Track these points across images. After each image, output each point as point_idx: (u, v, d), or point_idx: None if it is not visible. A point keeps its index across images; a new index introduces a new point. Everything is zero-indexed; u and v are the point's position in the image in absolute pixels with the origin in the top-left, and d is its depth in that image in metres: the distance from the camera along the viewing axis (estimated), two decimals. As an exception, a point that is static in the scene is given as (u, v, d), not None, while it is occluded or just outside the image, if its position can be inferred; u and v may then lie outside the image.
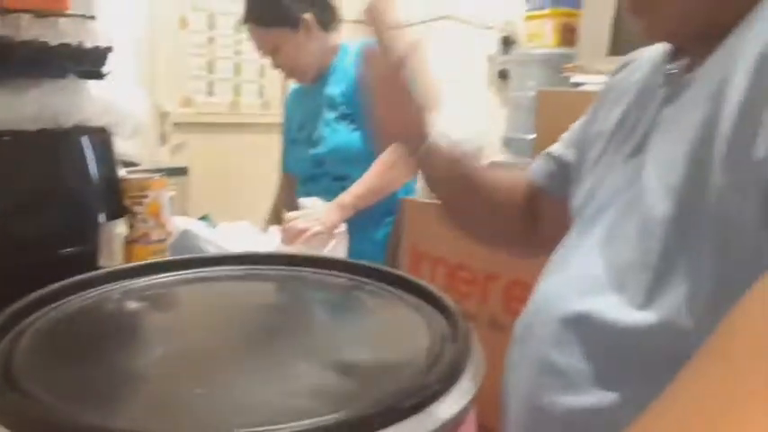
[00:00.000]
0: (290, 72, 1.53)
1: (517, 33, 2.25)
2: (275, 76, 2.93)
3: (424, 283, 0.63)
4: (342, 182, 1.46)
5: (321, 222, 1.32)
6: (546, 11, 1.93)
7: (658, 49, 0.60)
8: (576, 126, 0.72)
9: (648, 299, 0.45)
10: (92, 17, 0.72)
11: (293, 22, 1.44)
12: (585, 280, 0.53)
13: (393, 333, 0.57)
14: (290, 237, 1.30)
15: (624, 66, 0.67)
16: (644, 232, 0.47)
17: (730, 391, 0.22)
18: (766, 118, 0.37)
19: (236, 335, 0.57)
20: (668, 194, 0.45)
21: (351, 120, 1.48)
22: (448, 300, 0.59)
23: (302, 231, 1.30)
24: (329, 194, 1.42)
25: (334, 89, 1.50)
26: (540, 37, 1.96)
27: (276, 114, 2.99)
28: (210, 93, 2.77)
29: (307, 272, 0.70)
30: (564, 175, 0.71)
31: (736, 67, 0.41)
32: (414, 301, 0.60)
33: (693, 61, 0.52)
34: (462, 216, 0.82)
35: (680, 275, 0.44)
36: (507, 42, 2.31)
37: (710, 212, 0.41)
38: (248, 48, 2.80)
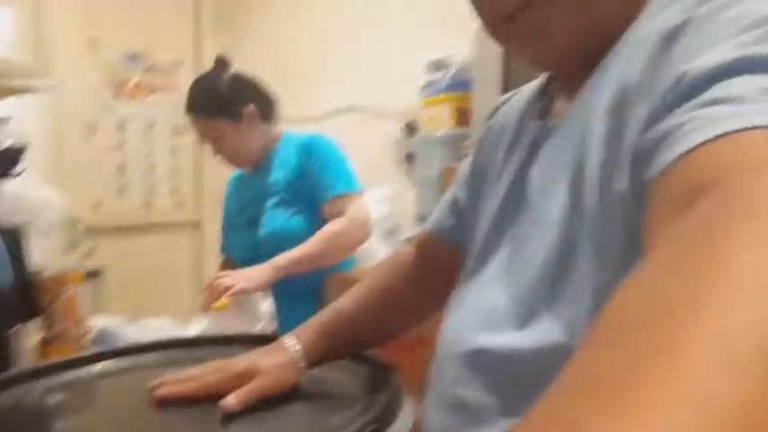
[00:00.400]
0: (231, 159, 1.58)
1: (418, 119, 2.41)
2: (188, 176, 2.95)
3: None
4: None
5: (248, 279, 1.33)
6: (441, 96, 2.10)
7: (531, 88, 0.67)
8: (463, 168, 0.76)
9: (540, 325, 0.49)
10: (7, 118, 0.74)
11: (236, 114, 1.52)
12: (480, 315, 0.57)
13: (324, 389, 0.59)
14: (216, 293, 1.30)
15: (497, 109, 0.72)
16: (530, 262, 0.52)
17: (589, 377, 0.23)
18: (622, 155, 0.44)
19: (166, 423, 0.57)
20: (550, 225, 0.50)
21: (289, 205, 1.52)
22: (371, 353, 0.63)
23: (228, 288, 1.30)
24: None
25: (275, 176, 1.55)
26: (439, 120, 2.12)
27: (189, 213, 2.99)
28: (121, 195, 2.74)
29: (223, 351, 0.71)
30: (461, 220, 0.75)
31: (595, 108, 0.48)
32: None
33: (569, 93, 0.56)
34: (375, 341, 0.85)
35: (566, 298, 0.48)
36: (410, 128, 2.46)
37: (588, 237, 0.47)
38: (160, 149, 2.84)
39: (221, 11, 3.09)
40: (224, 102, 1.52)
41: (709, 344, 0.21)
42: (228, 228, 1.70)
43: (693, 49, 0.43)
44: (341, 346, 0.78)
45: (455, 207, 0.77)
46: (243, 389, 0.68)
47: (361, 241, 1.50)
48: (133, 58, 2.74)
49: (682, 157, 0.35)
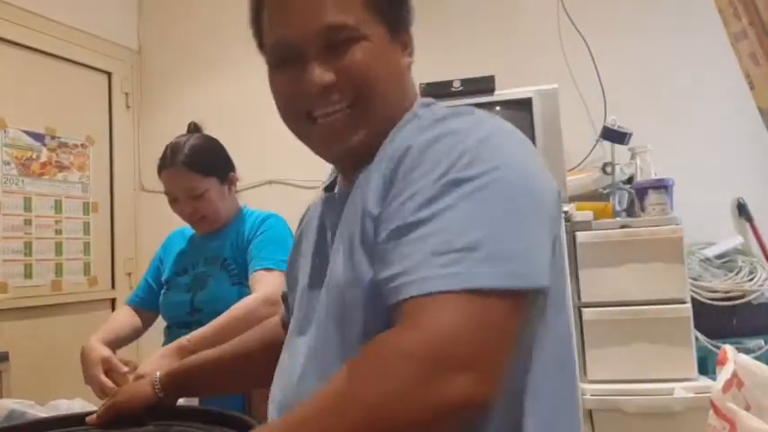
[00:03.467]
0: (203, 220, 1.60)
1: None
2: (102, 252, 2.86)
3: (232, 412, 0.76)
4: None
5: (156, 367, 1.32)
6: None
7: (319, 195, 0.88)
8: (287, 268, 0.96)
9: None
10: None
11: (224, 177, 1.60)
12: (289, 376, 0.71)
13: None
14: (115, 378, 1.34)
15: (303, 217, 0.93)
16: (318, 326, 0.69)
17: None
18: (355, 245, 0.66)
19: None
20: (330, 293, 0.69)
21: (232, 274, 1.57)
22: (254, 422, 0.70)
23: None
24: None
25: (228, 244, 1.60)
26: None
27: (104, 291, 2.88)
28: (29, 275, 2.61)
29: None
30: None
31: (357, 207, 0.68)
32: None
33: (347, 184, 0.76)
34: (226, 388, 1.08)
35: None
36: (329, 198, 2.53)
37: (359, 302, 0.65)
38: (70, 226, 2.75)
39: (135, 87, 3.11)
40: (216, 162, 1.60)
41: None
42: (158, 284, 1.69)
43: (398, 188, 0.61)
44: (196, 381, 0.96)
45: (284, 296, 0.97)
46: (103, 406, 0.93)
47: (267, 318, 1.53)
48: (42, 135, 2.69)
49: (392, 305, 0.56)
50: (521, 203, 0.59)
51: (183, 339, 1.40)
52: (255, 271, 1.51)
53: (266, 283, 1.46)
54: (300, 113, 0.74)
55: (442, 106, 0.74)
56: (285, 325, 0.95)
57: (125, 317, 1.66)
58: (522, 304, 0.56)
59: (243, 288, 1.54)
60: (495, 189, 0.58)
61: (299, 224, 0.94)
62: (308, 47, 0.70)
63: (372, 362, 0.51)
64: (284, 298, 0.94)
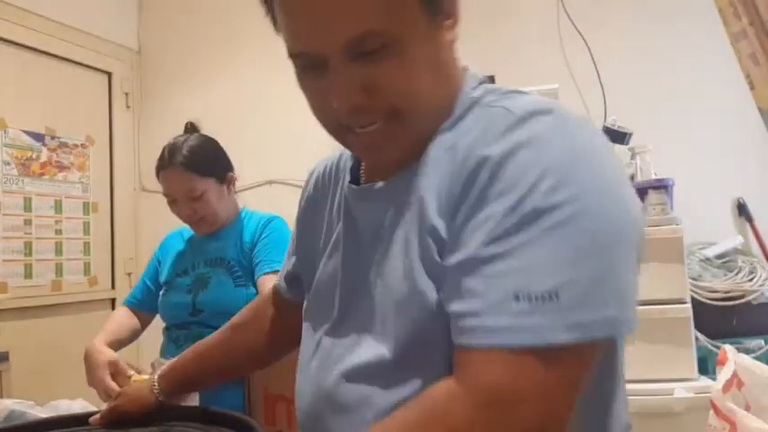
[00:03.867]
0: (202, 221, 1.59)
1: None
2: (101, 254, 2.86)
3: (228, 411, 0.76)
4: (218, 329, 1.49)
5: None
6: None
7: (337, 158, 0.81)
8: (293, 238, 0.90)
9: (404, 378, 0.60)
10: None
11: (223, 177, 1.59)
12: (321, 381, 0.66)
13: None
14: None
15: (309, 181, 0.87)
16: (379, 338, 0.63)
17: None
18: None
19: None
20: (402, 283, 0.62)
21: (236, 276, 1.56)
22: (252, 421, 0.70)
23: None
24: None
25: (229, 246, 1.59)
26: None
27: (104, 291, 2.88)
28: (29, 275, 2.61)
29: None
30: (296, 285, 0.88)
31: (425, 205, 0.61)
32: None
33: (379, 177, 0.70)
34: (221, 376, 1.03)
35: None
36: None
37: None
38: (70, 226, 2.75)
39: (135, 87, 3.11)
40: (214, 162, 1.59)
41: None
42: (157, 285, 1.68)
43: (470, 206, 0.56)
44: (193, 376, 0.95)
45: (290, 276, 0.91)
46: (106, 408, 0.94)
47: None
48: (42, 135, 2.69)
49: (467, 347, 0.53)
50: (608, 240, 0.52)
51: None
52: (263, 274, 1.52)
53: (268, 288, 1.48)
54: (333, 123, 0.65)
55: (506, 91, 0.64)
56: (281, 304, 0.94)
57: (124, 318, 1.66)
58: (601, 350, 0.55)
59: (248, 289, 1.54)
60: (580, 223, 0.51)
61: (304, 191, 0.87)
62: (332, 58, 0.59)
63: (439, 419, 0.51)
64: (288, 279, 0.91)
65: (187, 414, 0.84)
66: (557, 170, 0.52)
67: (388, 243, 0.65)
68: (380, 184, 0.69)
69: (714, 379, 1.10)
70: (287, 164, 2.68)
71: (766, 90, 1.36)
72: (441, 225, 0.59)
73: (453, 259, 0.56)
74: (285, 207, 2.55)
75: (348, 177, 0.75)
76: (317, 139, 2.47)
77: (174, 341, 1.58)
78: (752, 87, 1.40)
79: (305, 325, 0.77)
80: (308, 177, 0.87)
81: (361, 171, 0.75)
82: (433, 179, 0.61)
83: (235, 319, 1.00)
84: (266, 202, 2.42)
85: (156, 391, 0.93)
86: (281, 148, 2.73)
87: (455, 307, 0.54)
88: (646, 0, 2.40)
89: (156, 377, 0.95)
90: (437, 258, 0.58)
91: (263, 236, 1.58)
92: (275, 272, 1.49)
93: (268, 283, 1.48)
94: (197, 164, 1.54)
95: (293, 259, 0.88)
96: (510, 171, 0.54)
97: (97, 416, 0.93)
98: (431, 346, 0.59)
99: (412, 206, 0.63)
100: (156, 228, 2.95)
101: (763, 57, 1.33)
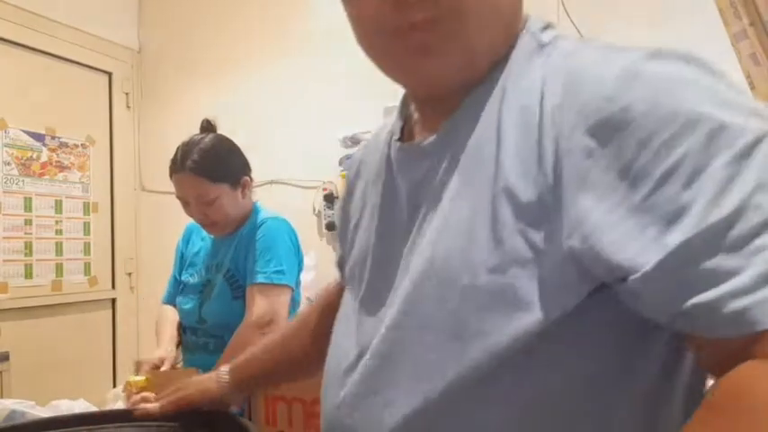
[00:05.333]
0: (215, 225, 1.55)
1: (338, 190, 2.49)
2: (102, 254, 2.87)
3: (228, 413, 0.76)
4: (219, 339, 1.49)
5: None
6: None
7: (379, 135, 0.70)
8: (338, 220, 0.81)
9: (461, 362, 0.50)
10: None
11: (236, 182, 1.53)
12: (347, 368, 0.60)
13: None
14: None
15: (351, 167, 0.76)
16: (426, 323, 0.53)
17: None
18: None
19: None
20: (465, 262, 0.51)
21: (234, 285, 1.53)
22: (249, 424, 0.70)
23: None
24: (205, 350, 1.48)
25: (233, 250, 1.56)
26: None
27: (105, 291, 2.88)
28: (29, 275, 2.62)
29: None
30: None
31: (501, 125, 0.51)
32: None
33: (439, 113, 0.58)
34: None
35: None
36: (329, 198, 2.53)
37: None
38: (70, 226, 2.75)
39: (136, 87, 3.11)
40: (226, 167, 1.53)
41: None
42: (182, 284, 1.67)
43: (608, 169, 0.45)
44: (269, 368, 0.90)
45: (341, 261, 0.79)
46: (166, 399, 0.89)
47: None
48: (42, 135, 2.69)
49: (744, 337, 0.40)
50: None
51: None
52: (250, 286, 1.49)
53: (257, 305, 1.44)
54: (386, 30, 0.54)
55: (578, 40, 0.55)
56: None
57: (171, 317, 1.66)
58: None
59: (242, 302, 1.52)
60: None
61: (349, 176, 0.77)
62: None
63: None
64: (340, 264, 0.80)
65: (188, 414, 0.84)
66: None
67: (447, 211, 0.53)
68: (432, 138, 0.58)
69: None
70: (288, 164, 2.67)
71: (766, 90, 1.36)
72: (525, 187, 0.48)
73: (671, 240, 0.42)
74: (285, 207, 2.55)
75: (397, 135, 0.64)
76: (318, 139, 2.49)
77: (187, 342, 1.59)
78: (752, 87, 1.40)
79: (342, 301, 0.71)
80: (348, 166, 0.79)
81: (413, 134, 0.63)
82: (510, 130, 0.51)
83: (309, 317, 0.94)
84: (267, 202, 2.42)
85: (224, 382, 0.90)
86: (282, 149, 2.73)
87: (701, 298, 0.42)
88: (646, 1, 2.40)
89: (226, 370, 0.92)
90: (511, 225, 0.48)
91: (258, 242, 1.53)
92: (260, 284, 1.46)
93: (251, 298, 1.45)
94: (209, 169, 1.49)
95: (339, 244, 0.80)
96: (651, 125, 0.46)
97: (156, 404, 0.89)
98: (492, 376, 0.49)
99: (482, 168, 0.52)
100: (157, 228, 2.96)
101: (764, 57, 1.33)
